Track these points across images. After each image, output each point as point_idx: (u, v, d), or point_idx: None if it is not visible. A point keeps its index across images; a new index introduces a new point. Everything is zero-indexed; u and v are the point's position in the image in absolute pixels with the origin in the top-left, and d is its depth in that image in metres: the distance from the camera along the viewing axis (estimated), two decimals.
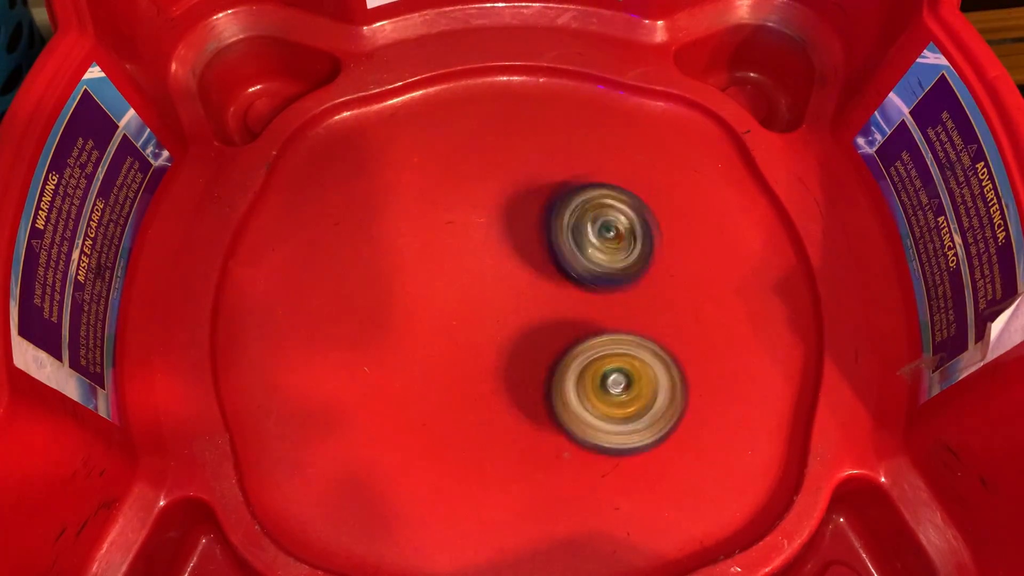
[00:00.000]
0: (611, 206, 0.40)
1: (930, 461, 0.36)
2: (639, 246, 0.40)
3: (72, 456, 0.33)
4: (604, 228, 0.39)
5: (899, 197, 0.41)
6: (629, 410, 0.36)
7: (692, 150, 0.45)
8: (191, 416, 0.38)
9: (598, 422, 0.36)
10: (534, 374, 0.39)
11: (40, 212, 0.34)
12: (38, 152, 0.34)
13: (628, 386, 0.36)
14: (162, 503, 0.36)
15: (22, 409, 0.30)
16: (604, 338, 0.37)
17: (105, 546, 0.35)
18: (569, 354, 0.37)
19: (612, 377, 0.36)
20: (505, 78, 0.46)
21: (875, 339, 0.39)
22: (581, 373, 0.36)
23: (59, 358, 0.34)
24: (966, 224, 0.37)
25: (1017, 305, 0.32)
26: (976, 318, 0.35)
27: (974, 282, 0.36)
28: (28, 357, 0.32)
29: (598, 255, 0.39)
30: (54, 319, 0.34)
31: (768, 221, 0.43)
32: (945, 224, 0.38)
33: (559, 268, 0.40)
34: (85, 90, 0.37)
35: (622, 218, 0.40)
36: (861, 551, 0.38)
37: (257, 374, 0.39)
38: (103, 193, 0.38)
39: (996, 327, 0.32)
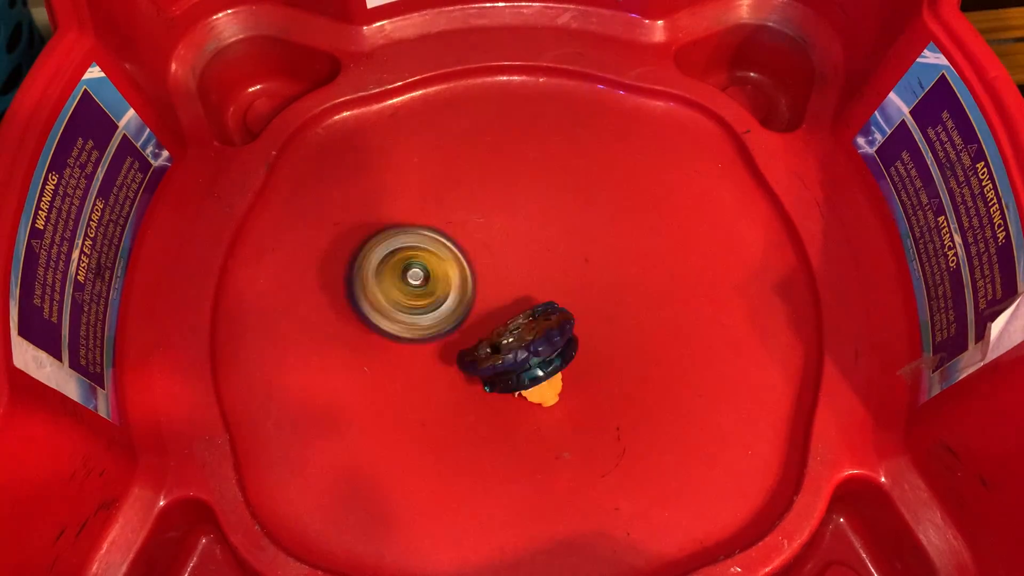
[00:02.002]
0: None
1: (930, 461, 0.36)
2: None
3: (72, 456, 0.33)
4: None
5: (899, 197, 0.41)
6: (423, 302, 0.39)
7: (692, 150, 0.45)
8: (191, 416, 0.38)
9: (393, 310, 0.39)
10: None
11: (40, 212, 0.34)
12: (38, 152, 0.34)
13: (426, 280, 0.39)
14: (162, 503, 0.36)
15: (22, 409, 0.30)
16: (405, 233, 0.40)
17: (105, 546, 0.35)
18: (369, 242, 0.40)
19: (412, 271, 0.39)
20: (505, 78, 0.46)
21: (875, 339, 0.39)
22: (382, 263, 0.39)
23: (59, 358, 0.34)
24: (966, 224, 0.36)
25: (1017, 305, 0.32)
26: (976, 318, 0.35)
27: (974, 282, 0.36)
28: (28, 357, 0.32)
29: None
30: (54, 319, 0.34)
31: (768, 221, 0.43)
32: (945, 224, 0.38)
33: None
34: (85, 90, 0.37)
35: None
36: (861, 551, 0.38)
37: (257, 374, 0.39)
38: (103, 193, 0.38)
39: (996, 327, 0.32)
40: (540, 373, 0.36)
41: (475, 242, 0.42)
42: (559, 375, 0.38)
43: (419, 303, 0.39)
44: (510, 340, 0.36)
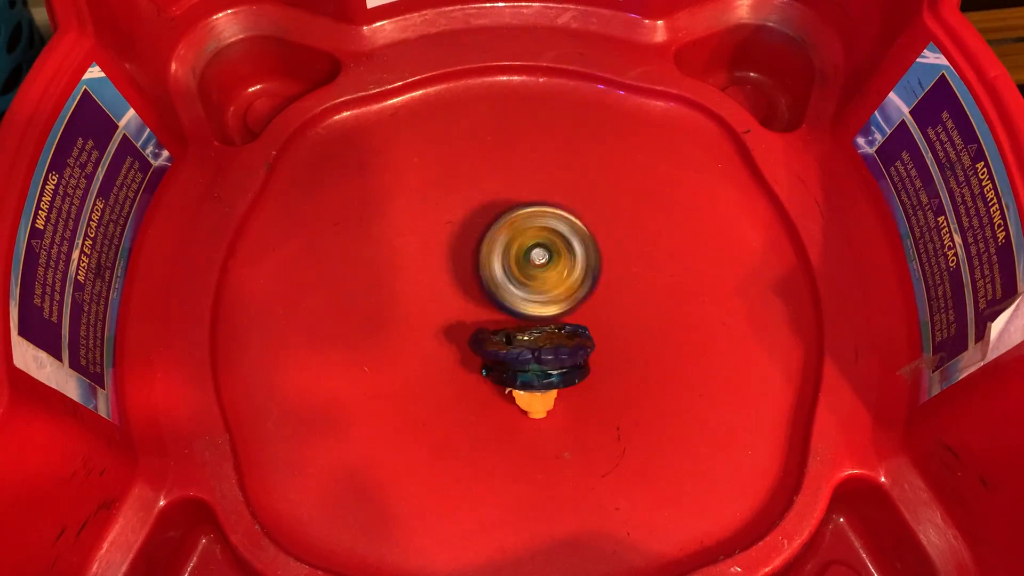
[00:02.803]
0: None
1: (930, 461, 0.36)
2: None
3: (72, 456, 0.33)
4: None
5: (899, 197, 0.41)
6: (549, 281, 0.39)
7: (692, 150, 0.45)
8: (191, 416, 0.38)
9: (522, 292, 0.39)
10: None
11: (40, 212, 0.34)
12: (38, 152, 0.34)
13: (549, 259, 0.39)
14: (162, 503, 0.36)
15: (22, 409, 0.30)
16: (525, 211, 0.40)
17: (105, 546, 0.35)
18: (493, 228, 0.40)
19: (535, 251, 0.39)
20: (505, 78, 0.46)
21: (875, 339, 0.39)
22: (506, 248, 0.39)
23: (59, 358, 0.34)
24: (966, 224, 0.37)
25: (1017, 305, 0.32)
26: (976, 318, 0.35)
27: (974, 282, 0.36)
28: (28, 357, 0.32)
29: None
30: (54, 319, 0.34)
31: (768, 221, 0.43)
32: (945, 224, 0.38)
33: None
34: (85, 90, 0.37)
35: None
36: (861, 551, 0.38)
37: (257, 374, 0.39)
38: (103, 193, 0.38)
39: (996, 327, 0.32)
40: (534, 381, 0.36)
41: (474, 242, 0.42)
42: (553, 393, 0.38)
43: (547, 279, 0.39)
44: (524, 338, 0.37)
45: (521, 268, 0.39)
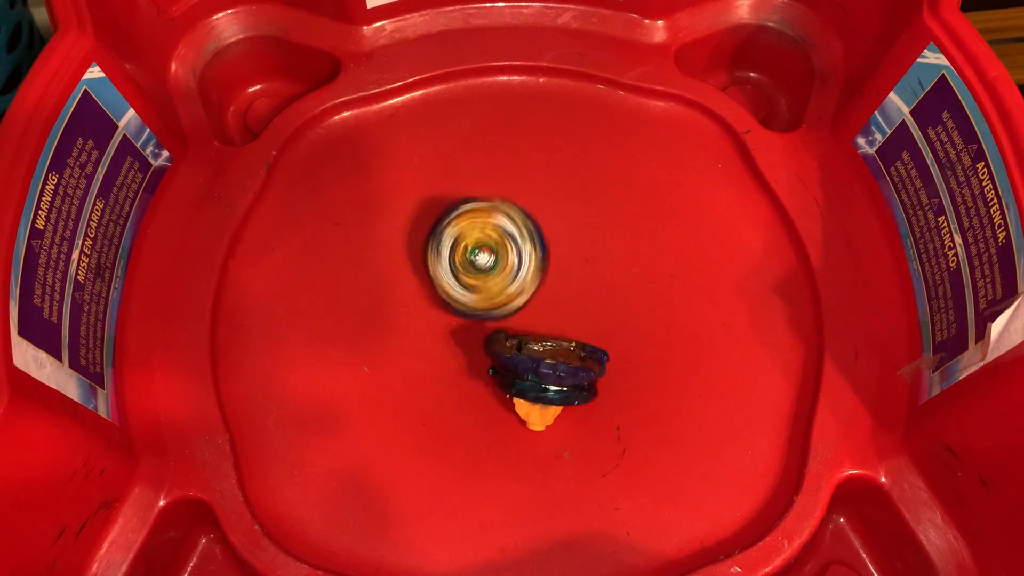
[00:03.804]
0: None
1: (930, 461, 0.36)
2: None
3: (72, 456, 0.33)
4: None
5: (899, 197, 0.41)
6: (498, 279, 0.38)
7: (692, 150, 0.45)
8: (191, 416, 0.38)
9: (454, 283, 0.38)
10: None
11: (40, 212, 0.34)
12: (38, 152, 0.34)
13: (495, 260, 0.38)
14: (162, 503, 0.36)
15: (22, 409, 0.30)
16: (467, 209, 0.39)
17: (105, 546, 0.35)
18: (436, 231, 0.39)
19: (479, 256, 0.38)
20: (505, 78, 0.46)
21: (875, 339, 0.39)
22: (451, 252, 0.38)
23: (59, 358, 0.34)
24: (966, 224, 0.37)
25: (1017, 305, 0.32)
26: (976, 318, 0.35)
27: (974, 282, 0.36)
28: (28, 357, 0.32)
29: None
30: (54, 319, 0.34)
31: (768, 221, 0.43)
32: (945, 224, 0.38)
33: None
34: (85, 90, 0.37)
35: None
36: (861, 551, 0.38)
37: (257, 374, 0.39)
38: (103, 193, 0.38)
39: (996, 327, 0.32)
40: (528, 392, 0.36)
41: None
42: (556, 410, 0.37)
43: (482, 283, 0.38)
44: (534, 347, 0.36)
45: (465, 270, 0.38)
